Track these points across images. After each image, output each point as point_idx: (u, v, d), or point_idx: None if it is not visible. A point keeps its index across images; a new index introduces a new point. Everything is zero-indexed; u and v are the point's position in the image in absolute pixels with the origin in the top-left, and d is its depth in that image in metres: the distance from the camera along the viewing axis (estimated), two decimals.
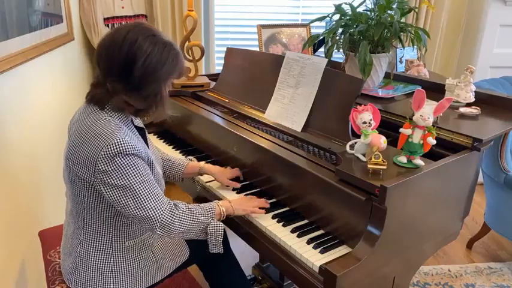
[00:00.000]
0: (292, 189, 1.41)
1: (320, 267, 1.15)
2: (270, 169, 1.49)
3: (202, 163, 1.62)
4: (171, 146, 1.93)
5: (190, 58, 2.12)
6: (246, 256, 1.94)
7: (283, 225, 1.34)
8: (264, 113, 1.73)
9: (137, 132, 1.28)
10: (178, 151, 1.88)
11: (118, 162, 1.13)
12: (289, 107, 1.64)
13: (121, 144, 1.13)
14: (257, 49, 2.45)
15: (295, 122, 1.60)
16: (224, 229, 1.59)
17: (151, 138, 2.04)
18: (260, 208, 1.40)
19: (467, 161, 1.40)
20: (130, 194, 1.15)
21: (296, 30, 2.54)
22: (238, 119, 1.76)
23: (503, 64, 3.12)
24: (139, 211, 1.17)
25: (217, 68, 2.96)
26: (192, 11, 2.01)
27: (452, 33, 3.23)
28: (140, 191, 1.16)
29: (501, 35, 3.08)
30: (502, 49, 3.12)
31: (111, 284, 1.30)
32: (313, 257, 1.19)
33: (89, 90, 1.24)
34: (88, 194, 1.21)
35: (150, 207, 1.17)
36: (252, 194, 1.52)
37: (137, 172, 1.16)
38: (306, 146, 1.55)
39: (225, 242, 1.59)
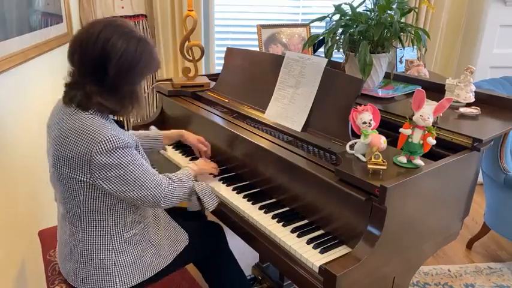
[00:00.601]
0: (292, 189, 1.41)
1: (320, 267, 1.15)
2: (270, 169, 1.49)
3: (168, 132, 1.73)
4: (171, 146, 1.93)
5: (190, 58, 2.11)
6: (245, 256, 1.94)
7: (283, 225, 1.34)
8: (264, 113, 1.73)
9: (116, 124, 1.30)
10: (178, 151, 1.88)
11: (111, 156, 1.17)
12: (289, 107, 1.64)
13: (110, 140, 1.16)
14: (257, 49, 2.45)
15: (295, 122, 1.60)
16: (222, 227, 1.60)
17: None
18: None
19: (467, 161, 1.40)
20: (130, 179, 1.22)
21: (296, 30, 2.54)
22: (238, 119, 1.76)
23: (503, 64, 3.12)
24: (143, 192, 1.24)
25: (217, 68, 2.96)
26: (192, 11, 2.01)
27: (452, 34, 3.23)
28: (139, 175, 1.23)
29: (501, 35, 3.08)
30: (502, 49, 3.12)
31: (117, 278, 1.31)
32: (313, 257, 1.19)
33: (64, 91, 1.24)
34: (83, 191, 1.23)
35: (151, 186, 1.26)
36: (252, 193, 1.52)
37: (131, 160, 1.21)
38: (306, 146, 1.55)
39: (224, 242, 1.60)
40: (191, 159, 1.79)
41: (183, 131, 1.73)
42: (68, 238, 1.33)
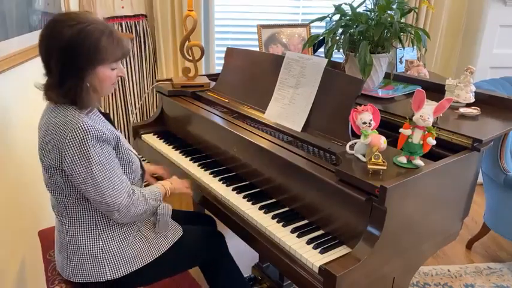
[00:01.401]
0: (292, 190, 1.41)
1: (320, 267, 1.15)
2: (270, 169, 1.49)
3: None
4: (171, 146, 1.93)
5: (190, 58, 2.11)
6: (245, 256, 1.94)
7: (283, 226, 1.34)
8: (264, 113, 1.73)
9: (103, 118, 1.31)
10: (178, 151, 1.88)
11: (83, 147, 1.16)
12: (289, 107, 1.64)
13: (85, 128, 1.16)
14: (257, 49, 2.45)
15: (295, 122, 1.60)
16: (223, 235, 1.60)
17: (152, 138, 2.05)
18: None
19: (467, 162, 1.40)
20: (91, 181, 1.20)
21: (296, 30, 2.54)
22: (238, 119, 1.76)
23: (503, 64, 3.12)
24: (98, 197, 1.22)
25: (217, 68, 2.96)
26: (192, 11, 2.01)
27: (452, 34, 3.23)
28: (100, 179, 1.20)
29: (501, 35, 3.08)
30: (502, 49, 3.12)
31: (106, 267, 1.31)
32: (313, 257, 1.19)
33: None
34: (63, 180, 1.24)
35: (108, 194, 1.22)
36: (251, 194, 1.52)
37: (99, 160, 1.19)
38: (306, 146, 1.55)
39: (223, 243, 1.60)
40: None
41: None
42: (58, 230, 1.35)
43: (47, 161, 1.23)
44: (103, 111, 1.38)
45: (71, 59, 1.17)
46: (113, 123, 1.37)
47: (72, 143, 1.16)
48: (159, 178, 1.66)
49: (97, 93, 1.24)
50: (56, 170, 1.23)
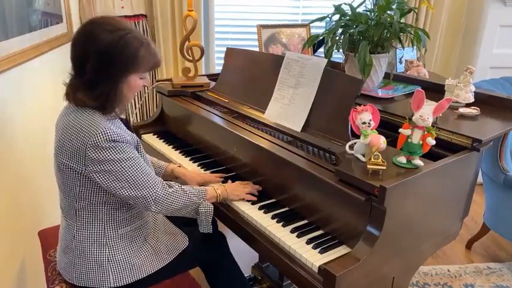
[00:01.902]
0: (292, 189, 1.41)
1: (319, 267, 1.15)
2: (270, 169, 1.49)
3: (175, 166, 1.62)
4: (171, 146, 1.93)
5: (190, 58, 2.12)
6: (245, 256, 1.94)
7: (283, 226, 1.34)
8: (263, 113, 1.73)
9: (123, 124, 1.31)
10: (178, 151, 1.88)
11: (106, 149, 1.17)
12: (288, 107, 1.64)
13: (106, 133, 1.17)
14: (257, 49, 2.45)
15: (295, 122, 1.60)
16: (224, 235, 1.60)
17: (151, 138, 2.05)
18: (252, 194, 1.48)
19: (466, 162, 1.40)
20: (122, 176, 1.20)
21: (296, 31, 2.54)
22: (238, 119, 1.76)
23: (503, 65, 3.12)
24: (133, 191, 1.22)
25: (217, 68, 2.96)
26: (192, 11, 2.01)
27: (452, 34, 3.23)
28: (132, 172, 1.21)
29: (501, 35, 3.08)
30: (501, 49, 3.12)
31: (110, 275, 1.30)
32: (312, 257, 1.19)
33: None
34: (79, 183, 1.24)
35: (143, 186, 1.23)
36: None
37: (125, 156, 1.20)
38: (306, 146, 1.56)
39: (225, 243, 1.60)
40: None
41: (188, 172, 1.61)
42: (64, 232, 1.34)
43: (65, 162, 1.22)
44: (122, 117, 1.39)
45: (107, 64, 1.17)
46: (131, 130, 1.36)
47: (93, 146, 1.16)
48: None
49: (124, 100, 1.27)
50: (75, 172, 1.22)
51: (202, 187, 1.40)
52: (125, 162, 1.20)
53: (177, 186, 1.33)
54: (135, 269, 1.34)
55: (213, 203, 1.42)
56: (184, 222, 1.55)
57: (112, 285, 1.31)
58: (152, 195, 1.25)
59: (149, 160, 1.37)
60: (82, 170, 1.20)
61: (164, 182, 1.31)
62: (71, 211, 1.30)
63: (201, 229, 1.40)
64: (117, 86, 1.21)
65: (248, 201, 1.48)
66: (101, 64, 1.17)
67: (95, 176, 1.20)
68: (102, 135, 1.16)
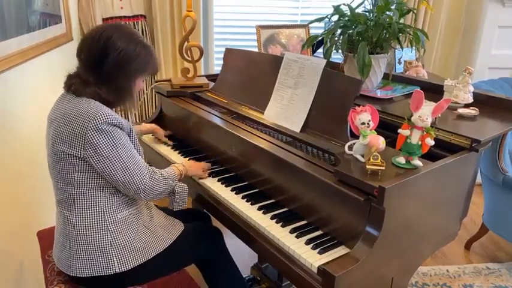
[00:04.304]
0: (291, 190, 1.41)
1: (318, 267, 1.15)
2: (269, 170, 1.49)
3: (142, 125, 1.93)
4: (170, 147, 1.93)
5: (189, 59, 2.11)
6: (244, 256, 1.94)
7: (282, 226, 1.34)
8: (262, 113, 1.73)
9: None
10: (177, 151, 1.88)
11: (105, 133, 1.24)
12: (288, 107, 1.64)
13: (106, 116, 1.24)
14: (256, 50, 2.45)
15: (294, 123, 1.60)
16: (221, 231, 1.60)
17: (150, 139, 2.04)
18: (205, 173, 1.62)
19: (465, 162, 1.40)
20: (118, 162, 1.27)
21: (295, 31, 2.55)
22: (237, 120, 1.76)
23: (501, 65, 3.12)
24: (126, 177, 1.29)
25: (216, 69, 2.96)
26: (191, 11, 2.01)
27: (450, 34, 3.24)
28: (126, 159, 1.29)
29: (499, 36, 3.09)
30: (500, 50, 3.12)
31: (114, 259, 1.33)
32: (311, 258, 1.19)
33: (65, 80, 1.36)
34: (78, 168, 1.28)
35: (135, 173, 1.30)
36: (250, 194, 1.52)
37: (121, 142, 1.28)
38: (305, 146, 1.56)
39: (221, 243, 1.60)
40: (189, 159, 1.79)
41: (155, 126, 1.93)
42: (63, 225, 1.35)
43: (63, 149, 1.27)
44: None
45: (125, 64, 1.30)
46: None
47: (93, 128, 1.23)
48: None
49: (130, 96, 1.39)
50: (73, 157, 1.27)
51: (170, 169, 1.48)
52: (120, 149, 1.27)
53: (158, 173, 1.40)
54: (137, 252, 1.36)
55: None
56: (185, 216, 1.59)
57: (117, 270, 1.33)
58: (142, 184, 1.32)
59: (140, 147, 1.44)
60: (81, 155, 1.25)
61: (150, 169, 1.37)
62: (69, 200, 1.32)
63: (175, 207, 1.48)
64: (129, 84, 1.35)
65: (247, 201, 1.48)
66: (119, 63, 1.29)
67: (91, 160, 1.26)
68: (102, 117, 1.23)
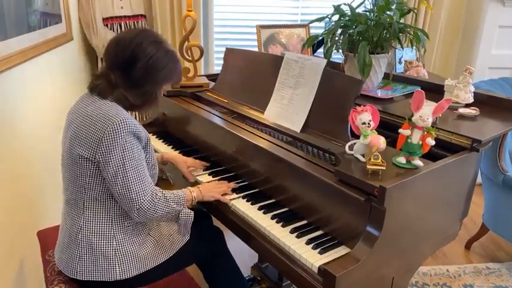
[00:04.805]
0: (292, 190, 1.41)
1: (319, 267, 1.15)
2: (269, 169, 1.49)
3: (162, 153, 1.77)
4: (170, 146, 1.93)
5: (190, 58, 2.11)
6: (245, 256, 1.94)
7: (283, 226, 1.34)
8: (263, 113, 1.73)
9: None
10: (177, 151, 1.88)
11: (121, 142, 1.23)
12: (288, 107, 1.64)
13: (126, 122, 1.24)
14: (256, 49, 2.45)
15: (295, 123, 1.60)
16: (221, 231, 1.60)
17: (151, 138, 2.04)
18: (228, 194, 1.51)
19: (466, 162, 1.40)
20: (121, 173, 1.25)
21: (295, 31, 2.54)
22: (238, 120, 1.76)
23: (501, 65, 3.12)
24: (124, 191, 1.26)
25: (217, 69, 2.96)
26: (191, 11, 2.01)
27: (451, 34, 3.24)
28: (130, 173, 1.26)
29: (500, 36, 3.09)
30: (500, 50, 3.12)
31: (117, 267, 1.32)
32: (312, 258, 1.19)
33: (90, 80, 1.35)
34: (90, 173, 1.28)
35: (134, 189, 1.27)
36: (251, 194, 1.52)
37: (133, 156, 1.26)
38: (305, 146, 1.56)
39: (222, 242, 1.60)
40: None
41: (177, 157, 1.72)
42: (69, 226, 1.35)
43: (80, 152, 1.26)
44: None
45: (155, 72, 1.32)
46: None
47: (111, 134, 1.22)
48: None
49: (156, 102, 1.40)
50: (87, 161, 1.26)
51: (181, 192, 1.41)
52: (128, 162, 1.25)
53: (160, 195, 1.34)
54: (140, 262, 1.36)
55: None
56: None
57: (118, 277, 1.32)
58: (138, 203, 1.28)
59: (155, 157, 1.42)
60: (94, 158, 1.25)
61: (153, 191, 1.32)
62: (79, 203, 1.32)
63: (179, 232, 1.44)
64: (156, 91, 1.37)
65: (248, 201, 1.48)
66: (148, 70, 1.31)
67: (100, 165, 1.25)
68: (123, 123, 1.23)
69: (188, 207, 1.42)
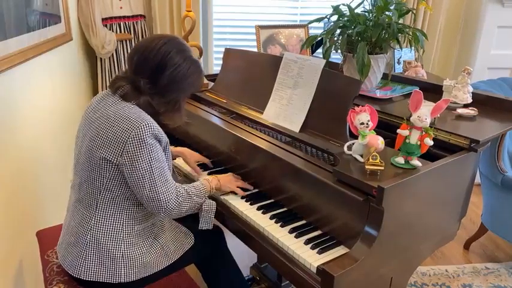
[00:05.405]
0: (290, 190, 1.41)
1: (318, 267, 1.15)
2: (268, 170, 1.49)
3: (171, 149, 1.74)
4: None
5: None
6: (244, 256, 1.94)
7: (281, 226, 1.34)
8: (262, 113, 1.73)
9: None
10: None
11: (146, 145, 1.24)
12: (287, 107, 1.64)
13: (149, 126, 1.24)
14: (255, 50, 2.45)
15: (293, 123, 1.60)
16: (222, 231, 1.60)
17: None
18: (243, 190, 1.53)
19: (464, 162, 1.41)
20: (148, 176, 1.26)
21: (294, 31, 2.55)
22: (237, 120, 1.76)
23: (500, 65, 3.13)
24: (152, 193, 1.27)
25: (216, 69, 2.96)
26: (191, 11, 2.01)
27: (450, 35, 3.24)
28: (157, 176, 1.27)
29: (499, 36, 3.09)
30: (499, 50, 3.13)
31: (122, 270, 1.33)
32: (310, 258, 1.20)
33: (112, 80, 1.36)
34: (108, 174, 1.28)
35: (161, 191, 1.29)
36: (250, 194, 1.53)
37: (157, 158, 1.27)
38: (304, 146, 1.56)
39: (223, 242, 1.60)
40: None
41: (185, 150, 1.74)
42: (77, 225, 1.34)
43: (102, 154, 1.26)
44: None
45: (181, 81, 1.33)
46: None
47: (136, 137, 1.22)
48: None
49: (179, 111, 1.41)
50: (109, 163, 1.26)
51: (200, 184, 1.44)
52: (154, 164, 1.26)
53: (183, 191, 1.37)
54: (145, 266, 1.36)
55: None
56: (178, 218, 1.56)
57: (122, 280, 1.33)
58: (165, 203, 1.30)
59: (171, 159, 1.42)
60: (117, 161, 1.25)
61: (177, 189, 1.35)
62: (92, 202, 1.32)
63: (201, 226, 1.44)
64: (180, 99, 1.38)
65: (246, 201, 1.48)
66: (175, 79, 1.32)
67: (124, 169, 1.25)
68: (147, 127, 1.23)
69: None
